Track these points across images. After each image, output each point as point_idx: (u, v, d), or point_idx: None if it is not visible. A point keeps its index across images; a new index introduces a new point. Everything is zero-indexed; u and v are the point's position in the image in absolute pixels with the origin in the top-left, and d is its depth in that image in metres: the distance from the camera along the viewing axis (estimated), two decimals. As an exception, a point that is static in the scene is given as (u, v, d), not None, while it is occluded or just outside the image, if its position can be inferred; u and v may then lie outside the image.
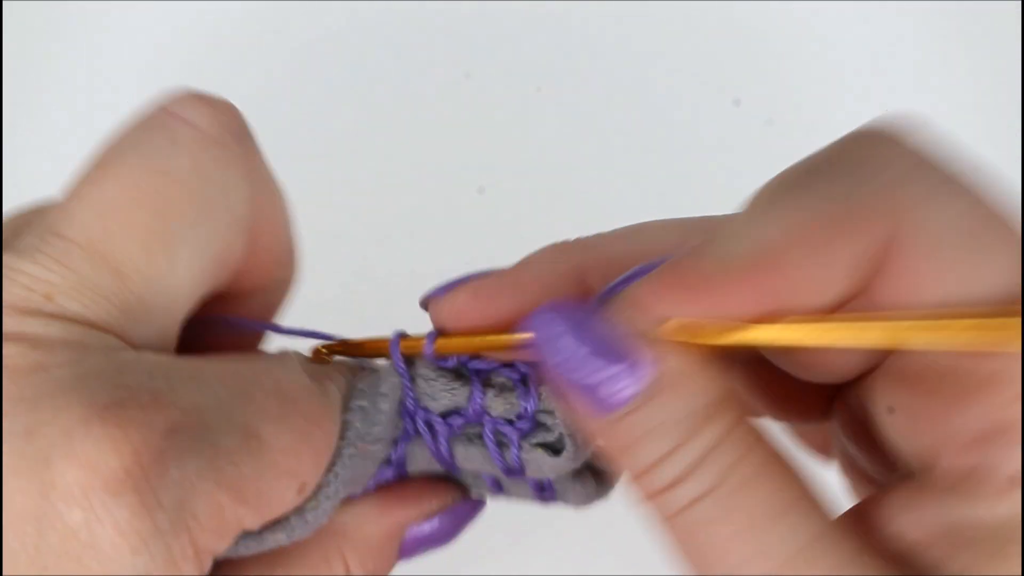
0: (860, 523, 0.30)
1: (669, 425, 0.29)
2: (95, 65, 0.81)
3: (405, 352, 0.36)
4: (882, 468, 0.35)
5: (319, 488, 0.33)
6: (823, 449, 0.41)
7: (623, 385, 0.29)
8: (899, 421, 0.31)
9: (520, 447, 0.35)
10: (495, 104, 0.79)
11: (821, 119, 0.76)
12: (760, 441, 0.29)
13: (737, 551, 0.28)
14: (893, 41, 0.79)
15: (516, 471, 0.35)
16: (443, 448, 0.36)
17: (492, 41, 0.80)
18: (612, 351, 0.29)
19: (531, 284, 0.34)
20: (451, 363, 0.36)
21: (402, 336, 0.36)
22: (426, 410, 0.36)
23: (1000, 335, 0.27)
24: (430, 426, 0.36)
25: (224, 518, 0.30)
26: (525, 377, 0.35)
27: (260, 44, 0.81)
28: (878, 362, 0.32)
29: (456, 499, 0.38)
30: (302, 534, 0.33)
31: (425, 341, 0.35)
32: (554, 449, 0.35)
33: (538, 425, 0.35)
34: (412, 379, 0.36)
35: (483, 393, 0.35)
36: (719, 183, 0.73)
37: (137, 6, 0.81)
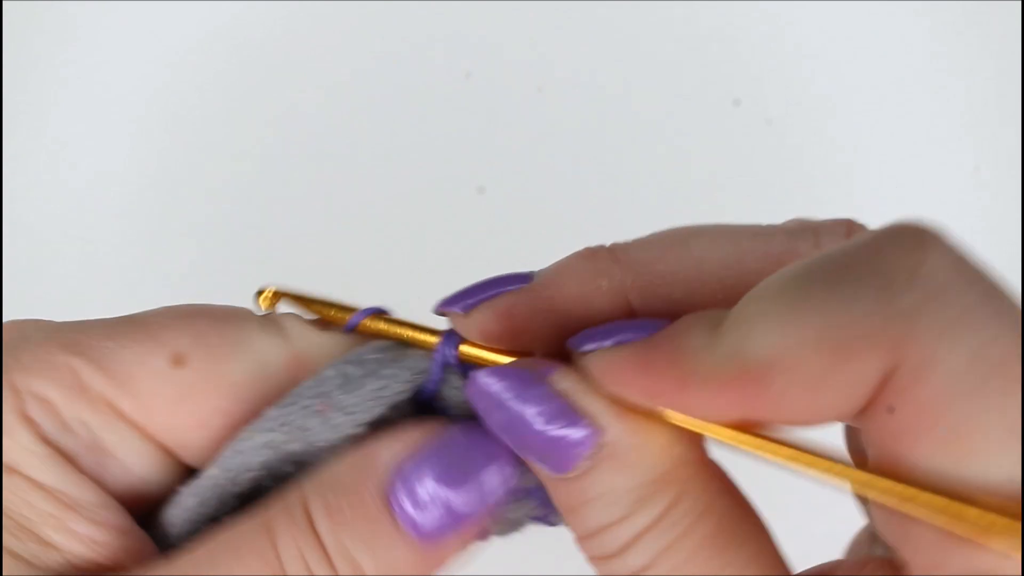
0: None
1: (607, 500, 0.28)
2: (95, 65, 0.81)
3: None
4: None
5: (252, 420, 0.31)
6: None
7: (566, 452, 0.28)
8: (885, 530, 0.28)
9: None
10: (495, 104, 0.79)
11: (821, 119, 0.76)
12: (710, 512, 0.28)
13: None
14: (893, 41, 0.79)
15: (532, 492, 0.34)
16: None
17: (492, 41, 0.80)
18: (555, 418, 0.28)
19: (566, 304, 0.32)
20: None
21: (458, 340, 0.33)
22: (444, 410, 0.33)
23: (982, 529, 0.24)
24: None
25: (80, 381, 0.30)
26: None
27: (260, 45, 0.81)
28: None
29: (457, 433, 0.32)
30: (233, 467, 0.31)
31: (441, 341, 0.32)
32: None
33: None
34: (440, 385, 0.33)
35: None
36: (719, 183, 0.73)
37: (137, 6, 0.81)
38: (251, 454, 0.31)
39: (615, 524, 0.28)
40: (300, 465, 0.31)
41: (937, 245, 0.26)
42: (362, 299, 0.36)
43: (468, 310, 0.32)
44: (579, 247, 0.33)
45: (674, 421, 0.28)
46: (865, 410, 0.26)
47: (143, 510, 0.32)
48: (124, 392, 0.31)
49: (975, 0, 0.77)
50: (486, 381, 0.29)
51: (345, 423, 0.31)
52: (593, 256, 0.32)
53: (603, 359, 0.28)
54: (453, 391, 0.33)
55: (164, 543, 0.32)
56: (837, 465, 0.26)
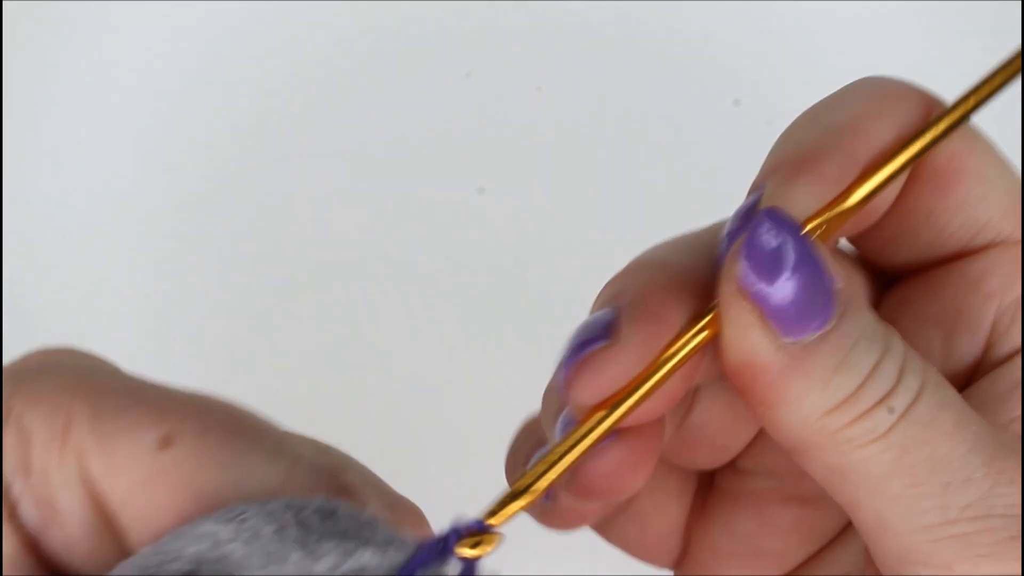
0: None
1: (869, 337, 0.27)
2: (95, 64, 0.81)
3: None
4: None
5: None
6: None
7: (816, 306, 0.27)
8: (937, 336, 0.32)
9: None
10: (495, 104, 0.79)
11: (821, 119, 0.76)
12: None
13: (967, 441, 0.27)
14: (893, 41, 0.79)
15: None
16: None
17: (492, 41, 0.80)
18: (817, 270, 0.28)
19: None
20: None
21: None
22: None
23: None
24: None
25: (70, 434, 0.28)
26: None
27: (260, 45, 0.81)
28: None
29: None
30: (165, 551, 0.27)
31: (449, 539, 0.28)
32: None
33: None
34: None
35: None
36: (719, 183, 0.73)
37: (137, 6, 0.81)
38: (189, 540, 0.28)
39: (882, 361, 0.27)
40: None
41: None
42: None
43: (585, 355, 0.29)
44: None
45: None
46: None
47: None
48: (101, 452, 0.28)
49: (975, 0, 0.77)
50: (769, 228, 0.28)
51: (293, 541, 0.27)
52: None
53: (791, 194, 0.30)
54: None
55: None
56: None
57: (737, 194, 0.32)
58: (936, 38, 0.78)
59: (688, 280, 0.30)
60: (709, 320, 0.29)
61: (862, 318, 0.28)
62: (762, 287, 0.27)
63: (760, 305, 0.27)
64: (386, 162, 0.78)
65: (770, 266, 0.27)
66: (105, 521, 0.29)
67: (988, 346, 0.30)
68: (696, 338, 0.29)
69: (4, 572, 0.28)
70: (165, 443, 0.28)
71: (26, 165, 0.78)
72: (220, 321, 0.75)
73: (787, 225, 0.27)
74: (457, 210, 0.77)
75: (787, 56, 0.79)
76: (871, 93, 0.31)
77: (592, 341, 0.29)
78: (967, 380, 0.31)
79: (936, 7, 0.78)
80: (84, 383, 0.29)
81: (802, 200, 0.29)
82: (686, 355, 0.29)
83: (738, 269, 0.28)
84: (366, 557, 0.27)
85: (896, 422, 0.27)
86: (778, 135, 0.34)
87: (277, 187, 0.79)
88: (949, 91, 0.32)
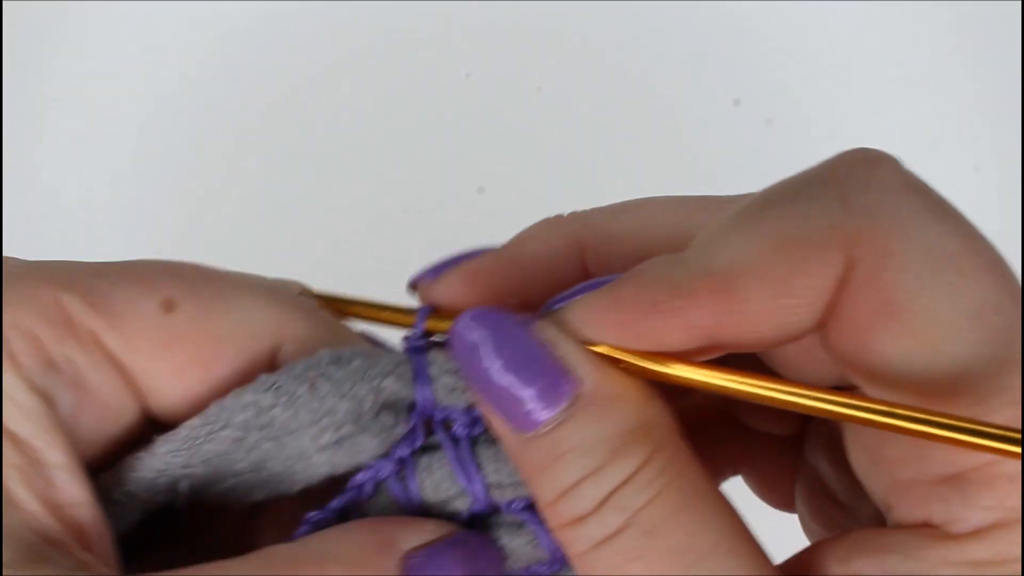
0: (807, 569, 0.28)
1: (581, 451, 0.27)
2: (95, 65, 0.81)
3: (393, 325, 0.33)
4: (844, 518, 0.33)
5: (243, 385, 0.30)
6: (786, 503, 0.38)
7: (539, 405, 0.27)
8: (860, 462, 0.29)
9: None
10: (495, 104, 0.79)
11: (821, 119, 0.76)
12: (684, 475, 0.27)
13: None
14: (893, 41, 0.79)
15: None
16: (464, 452, 0.31)
17: (492, 41, 0.80)
18: (532, 368, 0.27)
19: (529, 263, 0.33)
20: None
21: (429, 312, 0.33)
22: (445, 408, 0.32)
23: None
24: (448, 426, 0.32)
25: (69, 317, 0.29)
26: None
27: (260, 45, 0.81)
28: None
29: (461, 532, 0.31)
30: (212, 419, 0.30)
31: (417, 317, 0.33)
32: None
33: None
34: (429, 375, 0.32)
35: None
36: (719, 183, 0.73)
37: (138, 6, 0.81)
38: (234, 410, 0.30)
39: (591, 476, 0.27)
40: (277, 445, 0.31)
41: (889, 161, 0.28)
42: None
43: (437, 276, 0.33)
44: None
45: (647, 366, 0.27)
46: (825, 319, 0.27)
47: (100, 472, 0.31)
48: (111, 328, 0.30)
49: (975, 0, 0.77)
50: (467, 324, 0.29)
51: (330, 393, 0.31)
52: (552, 220, 0.34)
53: (576, 306, 0.28)
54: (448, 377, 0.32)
55: (115, 507, 0.31)
56: (812, 390, 0.26)
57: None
58: (936, 38, 0.78)
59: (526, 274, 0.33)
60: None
61: (587, 428, 0.27)
62: (483, 377, 0.28)
63: (483, 392, 0.28)
64: (386, 162, 0.79)
65: (472, 355, 0.28)
66: (134, 393, 0.31)
67: (888, 505, 0.28)
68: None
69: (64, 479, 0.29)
70: (168, 307, 0.30)
71: (26, 164, 0.78)
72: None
73: (489, 320, 0.28)
74: (457, 210, 0.77)
75: (787, 56, 0.79)
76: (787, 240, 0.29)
77: (442, 267, 0.33)
78: (879, 511, 0.29)
79: (936, 7, 0.78)
80: (59, 275, 0.30)
81: (605, 334, 0.28)
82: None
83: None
84: (389, 383, 0.31)
85: (584, 552, 0.27)
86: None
87: (277, 187, 0.79)
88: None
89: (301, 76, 0.80)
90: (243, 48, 0.81)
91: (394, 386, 0.31)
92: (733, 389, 0.27)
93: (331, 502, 0.32)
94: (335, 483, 0.32)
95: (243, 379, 0.31)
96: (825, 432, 0.34)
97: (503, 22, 0.80)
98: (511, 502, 0.31)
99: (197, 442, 0.30)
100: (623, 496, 0.27)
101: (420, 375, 0.31)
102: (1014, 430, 0.24)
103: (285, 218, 0.78)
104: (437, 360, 0.32)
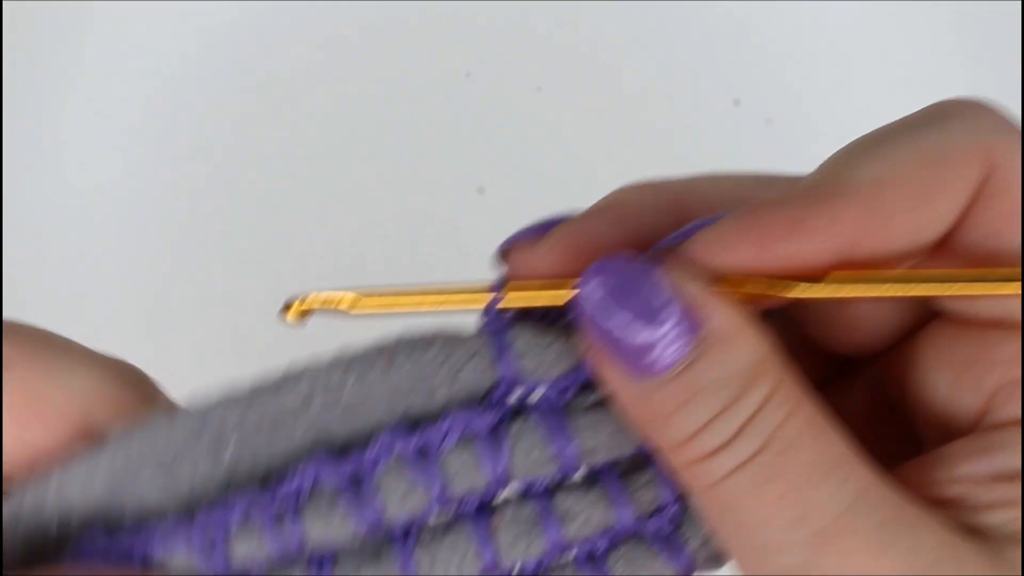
0: (907, 482, 0.30)
1: (714, 388, 0.28)
2: (95, 66, 0.81)
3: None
4: (904, 445, 0.34)
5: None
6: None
7: (667, 349, 0.28)
8: (946, 379, 0.31)
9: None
10: (495, 104, 0.79)
11: (821, 119, 0.76)
12: (804, 399, 0.28)
13: (781, 516, 0.27)
14: (893, 41, 0.79)
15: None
16: (558, 418, 0.30)
17: (492, 41, 0.80)
18: (663, 311, 0.28)
19: (634, 224, 0.32)
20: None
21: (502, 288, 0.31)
22: (533, 379, 0.30)
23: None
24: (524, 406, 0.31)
25: None
26: None
27: (260, 45, 0.81)
28: (919, 325, 0.32)
29: None
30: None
31: (492, 294, 0.31)
32: None
33: None
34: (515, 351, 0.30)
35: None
36: (719, 183, 0.73)
37: (139, 7, 0.81)
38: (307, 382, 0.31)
39: (728, 409, 0.28)
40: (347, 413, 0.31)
41: (986, 104, 0.31)
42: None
43: (536, 239, 0.32)
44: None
45: (773, 293, 0.28)
46: (951, 232, 0.29)
47: None
48: None
49: (975, 0, 0.77)
50: (594, 280, 0.28)
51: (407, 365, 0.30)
52: (642, 184, 0.35)
53: (708, 234, 0.29)
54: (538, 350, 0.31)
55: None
56: (941, 271, 0.29)
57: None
58: (936, 38, 0.78)
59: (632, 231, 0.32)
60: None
61: (719, 364, 0.28)
62: (609, 330, 0.28)
63: (609, 347, 0.28)
64: (386, 162, 0.79)
65: (604, 311, 0.28)
66: None
67: (985, 410, 0.30)
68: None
69: None
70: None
71: (26, 165, 0.78)
72: (220, 321, 0.75)
73: (615, 269, 0.28)
74: (457, 210, 0.77)
75: (787, 56, 0.79)
76: (932, 156, 0.29)
77: (537, 230, 0.33)
78: (967, 427, 0.31)
79: (936, 7, 0.78)
80: None
81: (738, 258, 0.29)
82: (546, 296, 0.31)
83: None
84: (466, 373, 0.30)
85: (717, 481, 0.28)
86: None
87: (276, 187, 0.79)
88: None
89: (300, 76, 0.80)
90: (242, 48, 0.81)
91: (476, 366, 0.31)
92: (882, 294, 0.29)
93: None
94: None
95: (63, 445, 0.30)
96: (906, 350, 0.34)
97: (503, 22, 0.80)
98: (600, 467, 0.31)
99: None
100: (757, 422, 0.28)
101: (503, 353, 0.31)
102: None
103: (284, 218, 0.78)
104: (521, 335, 0.31)
